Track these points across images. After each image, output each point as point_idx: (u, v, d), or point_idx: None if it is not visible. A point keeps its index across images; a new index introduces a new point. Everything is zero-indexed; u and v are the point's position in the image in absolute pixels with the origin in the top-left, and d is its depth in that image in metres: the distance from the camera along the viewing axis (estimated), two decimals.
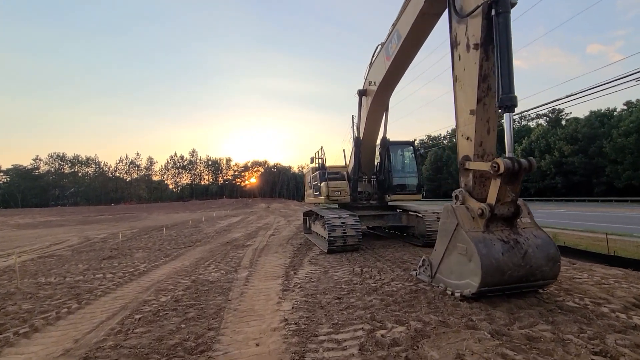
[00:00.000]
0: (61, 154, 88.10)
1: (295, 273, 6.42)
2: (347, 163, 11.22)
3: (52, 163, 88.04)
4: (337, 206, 11.28)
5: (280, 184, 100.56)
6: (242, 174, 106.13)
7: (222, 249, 10.24)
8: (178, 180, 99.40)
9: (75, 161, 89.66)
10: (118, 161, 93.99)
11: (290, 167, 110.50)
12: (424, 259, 5.56)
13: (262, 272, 6.70)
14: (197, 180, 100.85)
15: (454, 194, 5.13)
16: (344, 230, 8.18)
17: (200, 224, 22.38)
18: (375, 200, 10.38)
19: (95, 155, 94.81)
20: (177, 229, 19.57)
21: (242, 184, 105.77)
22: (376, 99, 8.81)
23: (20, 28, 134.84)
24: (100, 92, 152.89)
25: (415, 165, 10.36)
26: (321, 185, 10.34)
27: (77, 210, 66.15)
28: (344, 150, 12.34)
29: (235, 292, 5.24)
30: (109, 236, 16.63)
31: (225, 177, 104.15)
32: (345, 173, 11.05)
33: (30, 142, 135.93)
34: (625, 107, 53.64)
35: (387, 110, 9.56)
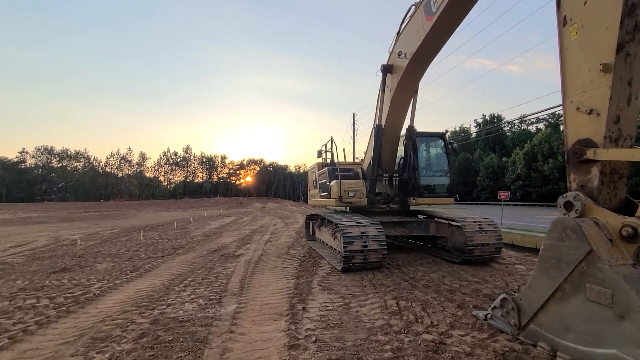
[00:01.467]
0: (49, 147, 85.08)
1: (304, 308, 4.48)
2: (363, 158, 9.31)
3: (40, 156, 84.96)
4: (348, 210, 9.39)
5: (277, 183, 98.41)
6: (238, 172, 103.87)
7: (207, 260, 8.28)
8: (171, 177, 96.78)
9: (64, 155, 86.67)
10: (109, 156, 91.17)
11: (286, 166, 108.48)
12: (504, 298, 3.66)
13: (257, 303, 4.76)
14: (190, 178, 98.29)
15: (562, 201, 3.27)
16: (365, 242, 6.28)
17: (188, 224, 20.32)
18: (396, 204, 8.50)
19: (85, 149, 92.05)
20: (162, 230, 17.54)
21: (237, 182, 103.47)
22: (406, 77, 6.92)
23: (10, 20, 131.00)
24: (92, 87, 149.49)
25: (447, 161, 8.50)
26: (331, 184, 8.44)
27: (63, 206, 63.52)
28: (344, 150, 10.59)
29: (213, 350, 3.30)
30: (84, 237, 14.55)
31: (219, 175, 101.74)
32: (359, 171, 9.15)
33: (16, 135, 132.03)
34: None
35: (416, 92, 7.70)
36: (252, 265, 7.57)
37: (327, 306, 4.56)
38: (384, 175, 8.20)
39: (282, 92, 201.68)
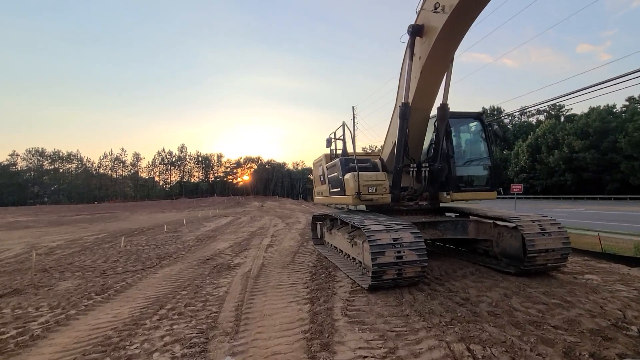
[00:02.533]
0: (40, 149, 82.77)
1: None
2: (382, 146, 7.77)
3: (31, 159, 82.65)
4: (364, 208, 7.87)
5: (275, 181, 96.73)
6: (234, 170, 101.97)
7: (195, 275, 6.74)
8: (167, 177, 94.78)
9: (56, 157, 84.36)
10: (102, 157, 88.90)
11: (284, 164, 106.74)
12: None
13: (260, 354, 3.23)
14: (186, 178, 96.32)
15: None
16: (399, 252, 4.75)
17: (181, 227, 18.74)
18: (425, 201, 6.98)
19: (77, 150, 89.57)
20: (151, 234, 15.99)
21: (235, 181, 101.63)
22: (442, 40, 5.40)
23: (4, 22, 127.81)
24: (85, 88, 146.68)
25: (487, 147, 6.98)
26: (345, 178, 6.91)
27: (55, 210, 61.60)
28: (353, 137, 9.01)
29: None
30: (65, 244, 12.98)
31: (216, 174, 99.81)
32: (378, 161, 7.62)
33: (5, 137, 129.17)
34: (627, 103, 51.61)
35: (452, 62, 6.18)
36: (251, 281, 6.03)
37: (364, 357, 3.04)
38: (411, 165, 6.67)
39: (278, 90, 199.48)
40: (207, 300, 4.96)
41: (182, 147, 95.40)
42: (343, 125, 7.72)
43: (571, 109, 67.84)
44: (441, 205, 7.26)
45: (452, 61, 6.20)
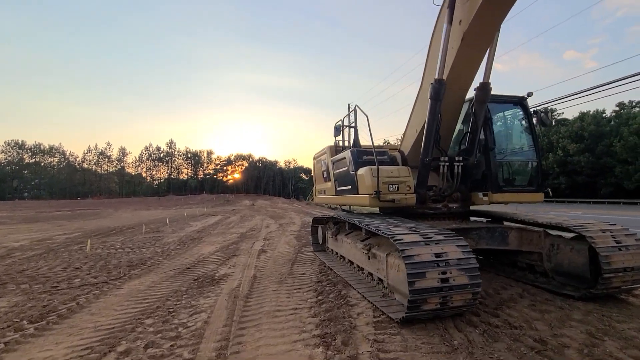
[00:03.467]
0: (20, 142, 79.11)
1: None
2: (401, 137, 6.47)
3: (10, 151, 78.94)
4: (377, 210, 6.60)
5: (266, 179, 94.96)
6: (225, 168, 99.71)
7: (169, 292, 5.34)
8: (154, 173, 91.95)
9: (37, 150, 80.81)
10: (86, 151, 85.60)
11: (276, 162, 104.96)
12: None
13: None
14: (175, 174, 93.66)
15: None
16: (445, 273, 3.47)
17: (164, 226, 17.16)
18: (455, 203, 5.73)
19: (60, 144, 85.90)
20: (130, 234, 14.43)
21: (225, 178, 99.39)
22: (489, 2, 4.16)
23: None
24: (69, 81, 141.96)
25: (532, 139, 5.76)
26: (359, 173, 5.61)
27: (34, 205, 58.66)
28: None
29: None
30: (29, 245, 11.34)
31: (205, 172, 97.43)
32: (397, 154, 6.34)
33: None
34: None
35: (498, 32, 4.94)
36: (240, 303, 4.67)
37: None
38: (442, 159, 5.40)
39: (270, 88, 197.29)
40: (178, 336, 3.58)
41: (170, 143, 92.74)
42: (355, 109, 6.41)
43: (562, 113, 68.42)
44: (472, 208, 6.03)
45: (498, 31, 4.97)
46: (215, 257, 8.37)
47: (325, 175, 7.96)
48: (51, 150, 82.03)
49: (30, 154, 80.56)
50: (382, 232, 4.17)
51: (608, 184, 46.22)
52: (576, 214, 25.74)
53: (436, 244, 3.72)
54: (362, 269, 5.47)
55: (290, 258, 7.96)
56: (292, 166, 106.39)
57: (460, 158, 5.43)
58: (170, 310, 4.43)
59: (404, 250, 3.56)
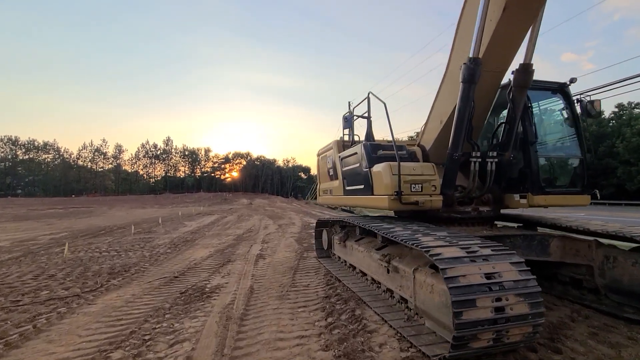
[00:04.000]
0: (13, 138, 77.66)
1: None
2: (421, 130, 5.63)
3: (3, 147, 77.50)
4: (392, 213, 5.78)
5: (264, 178, 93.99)
6: (223, 166, 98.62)
7: (150, 309, 4.49)
8: (151, 171, 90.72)
9: (31, 146, 79.37)
10: (81, 148, 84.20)
11: (274, 160, 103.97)
12: None
13: None
14: (172, 172, 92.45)
15: None
16: (501, 300, 2.65)
17: (157, 226, 16.28)
18: (487, 206, 4.92)
19: (54, 140, 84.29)
20: (120, 234, 13.58)
21: (223, 177, 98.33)
22: None
23: None
24: (64, 77, 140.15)
25: (576, 132, 4.95)
26: (375, 171, 4.79)
27: (28, 203, 57.51)
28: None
29: None
30: (8, 246, 10.47)
31: (203, 169, 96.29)
32: (416, 149, 5.51)
33: None
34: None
35: (544, 5, 4.11)
36: (233, 327, 3.83)
37: None
38: (473, 154, 4.57)
39: (269, 87, 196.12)
40: None
41: (167, 140, 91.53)
42: (368, 98, 5.56)
43: None
44: (503, 212, 5.23)
45: (544, 4, 4.15)
46: (208, 264, 7.53)
47: (331, 173, 7.13)
48: (45, 147, 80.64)
49: (23, 150, 79.11)
50: (412, 243, 3.34)
51: (610, 184, 45.71)
52: (578, 215, 25.05)
53: (484, 260, 2.91)
54: (379, 284, 4.65)
55: (292, 265, 7.13)
56: (290, 165, 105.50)
57: (494, 153, 4.61)
58: (147, 337, 3.59)
59: (445, 269, 2.74)
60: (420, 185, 4.43)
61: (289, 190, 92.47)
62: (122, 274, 6.61)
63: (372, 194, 4.89)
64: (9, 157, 78.58)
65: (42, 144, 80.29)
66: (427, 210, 4.59)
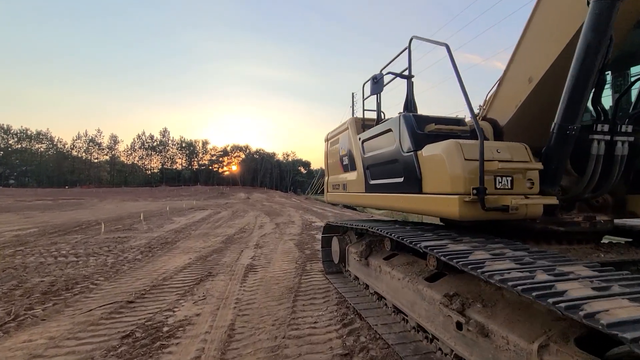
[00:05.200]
0: (5, 126, 75.43)
1: None
2: (493, 95, 3.78)
3: None
4: (416, 220, 4.00)
5: (263, 172, 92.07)
6: (221, 159, 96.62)
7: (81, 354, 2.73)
8: (147, 163, 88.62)
9: (23, 135, 77.16)
10: (75, 138, 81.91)
11: (274, 154, 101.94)
12: None
13: None
14: (168, 164, 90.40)
15: None
16: None
17: (136, 224, 14.49)
18: (605, 215, 3.12)
19: (47, 129, 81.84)
20: (95, 232, 11.84)
21: (221, 170, 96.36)
22: None
23: None
24: (59, 66, 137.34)
25: None
26: (430, 154, 3.00)
27: (18, 193, 55.72)
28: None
29: None
30: None
31: (200, 162, 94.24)
32: (486, 126, 3.65)
33: None
34: None
35: None
36: None
37: None
38: (600, 128, 2.75)
39: (269, 81, 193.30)
40: None
41: (164, 131, 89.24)
42: (409, 48, 3.71)
43: None
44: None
45: None
46: (182, 279, 5.74)
47: (345, 163, 5.32)
48: (38, 136, 78.39)
49: (16, 139, 76.90)
50: (535, 294, 1.55)
51: None
52: None
53: None
54: (436, 339, 2.85)
55: (291, 285, 5.34)
56: (290, 159, 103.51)
57: (629, 128, 2.79)
58: None
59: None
60: (509, 179, 2.64)
61: (288, 184, 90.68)
62: (59, 295, 4.84)
63: (421, 192, 3.10)
64: (1, 146, 76.46)
65: (34, 133, 78.07)
66: (512, 220, 2.79)
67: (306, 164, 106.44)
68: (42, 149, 79.93)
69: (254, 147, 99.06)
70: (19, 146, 77.56)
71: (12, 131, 75.98)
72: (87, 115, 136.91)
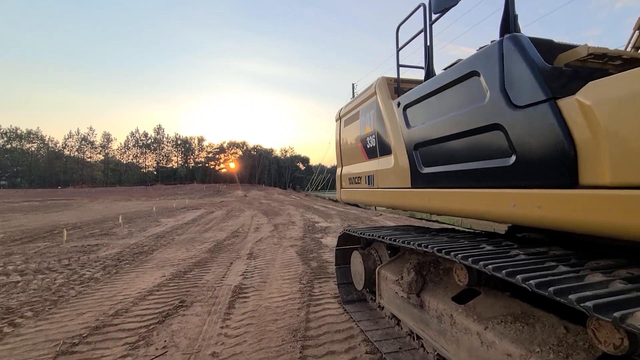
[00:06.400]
0: None
1: None
2: None
3: None
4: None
5: (261, 168, 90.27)
6: (217, 156, 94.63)
7: None
8: (141, 161, 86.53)
9: (13, 134, 74.93)
10: (67, 137, 79.68)
11: (272, 150, 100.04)
12: None
13: None
14: (164, 162, 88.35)
15: None
16: None
17: (114, 228, 12.81)
18: None
19: (38, 128, 79.38)
20: (67, 237, 10.14)
21: (217, 167, 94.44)
22: None
23: None
24: (49, 64, 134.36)
25: None
26: (600, 103, 1.31)
27: (7, 194, 53.95)
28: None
29: None
30: None
31: (197, 160, 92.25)
32: None
33: None
34: None
35: None
36: None
37: None
38: None
39: (265, 77, 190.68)
40: None
41: (158, 129, 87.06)
42: None
43: None
44: None
45: None
46: (141, 313, 4.09)
47: (370, 145, 3.66)
48: (29, 136, 76.12)
49: (6, 139, 74.64)
50: None
51: None
52: None
53: None
54: None
55: (295, 323, 3.70)
56: (288, 155, 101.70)
57: None
58: None
59: None
60: None
61: (287, 181, 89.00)
62: None
63: (575, 184, 1.44)
64: None
65: (25, 132, 75.79)
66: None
67: (305, 160, 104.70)
68: (33, 149, 77.74)
69: (251, 144, 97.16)
70: (9, 146, 75.33)
71: (1, 130, 73.77)
72: (78, 113, 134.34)
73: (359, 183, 4.06)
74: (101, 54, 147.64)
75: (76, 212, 22.04)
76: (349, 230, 4.02)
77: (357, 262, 3.86)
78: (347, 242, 4.32)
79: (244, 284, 5.15)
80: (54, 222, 15.74)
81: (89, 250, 8.46)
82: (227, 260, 6.83)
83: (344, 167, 4.66)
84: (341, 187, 4.70)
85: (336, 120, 4.97)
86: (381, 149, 3.41)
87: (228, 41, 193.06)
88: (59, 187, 69.82)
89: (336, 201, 37.80)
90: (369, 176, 3.70)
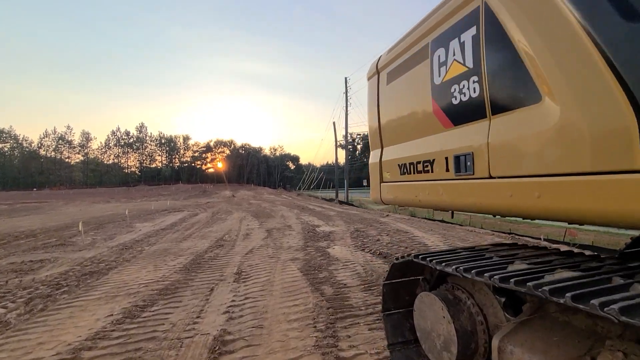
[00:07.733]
0: None
1: None
2: None
3: None
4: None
5: (250, 167, 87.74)
6: (204, 155, 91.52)
7: None
8: (123, 161, 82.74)
9: None
10: (42, 136, 75.35)
11: (261, 149, 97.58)
12: None
13: None
14: (147, 162, 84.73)
15: None
16: None
17: (76, 236, 10.71)
18: None
19: (11, 127, 74.67)
20: (14, 248, 8.17)
21: (204, 167, 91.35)
22: None
23: None
24: (23, 60, 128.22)
25: None
26: None
27: None
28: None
29: None
30: None
31: (182, 159, 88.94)
32: None
33: None
34: None
35: None
36: None
37: None
38: None
39: (252, 75, 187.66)
40: None
41: (140, 127, 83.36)
42: None
43: None
44: None
45: None
46: None
47: (461, 99, 1.93)
48: (1, 134, 71.57)
49: None
50: None
51: None
52: None
53: None
54: None
55: None
56: (278, 153, 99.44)
57: None
58: None
59: None
60: None
61: (277, 180, 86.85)
62: None
63: None
64: None
65: None
66: None
67: (295, 159, 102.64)
68: (6, 149, 73.20)
69: (239, 142, 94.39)
70: None
71: None
72: (55, 111, 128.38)
73: (424, 172, 2.33)
74: (80, 51, 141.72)
75: (44, 217, 19.73)
76: (417, 258, 2.23)
77: (433, 314, 2.11)
78: (408, 271, 2.56)
79: (229, 332, 3.35)
80: (11, 228, 13.54)
81: (28, 268, 6.51)
82: (206, 285, 4.99)
83: (385, 149, 2.92)
84: (381, 181, 2.95)
85: (369, 78, 3.22)
86: (502, 97, 1.68)
87: (213, 39, 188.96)
88: (34, 189, 65.87)
89: (331, 200, 35.90)
90: (460, 157, 1.96)
